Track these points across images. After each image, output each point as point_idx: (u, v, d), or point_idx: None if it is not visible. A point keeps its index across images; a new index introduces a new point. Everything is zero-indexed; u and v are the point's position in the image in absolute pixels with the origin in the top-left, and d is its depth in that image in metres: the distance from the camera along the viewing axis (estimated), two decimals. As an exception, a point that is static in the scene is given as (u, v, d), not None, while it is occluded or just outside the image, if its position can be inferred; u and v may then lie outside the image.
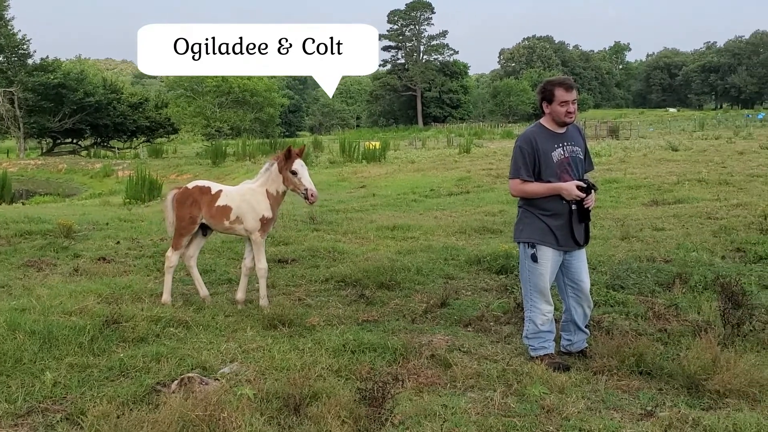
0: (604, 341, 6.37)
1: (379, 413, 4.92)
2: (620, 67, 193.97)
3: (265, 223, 8.02)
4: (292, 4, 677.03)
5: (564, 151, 6.19)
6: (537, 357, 6.22)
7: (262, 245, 8.13)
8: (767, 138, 35.42)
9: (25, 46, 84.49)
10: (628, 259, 10.06)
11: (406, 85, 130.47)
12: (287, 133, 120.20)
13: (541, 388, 5.45)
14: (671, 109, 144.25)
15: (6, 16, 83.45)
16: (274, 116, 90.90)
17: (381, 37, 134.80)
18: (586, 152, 6.43)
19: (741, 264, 9.73)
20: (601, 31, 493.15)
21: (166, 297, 8.18)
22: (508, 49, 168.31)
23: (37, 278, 9.63)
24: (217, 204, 8.05)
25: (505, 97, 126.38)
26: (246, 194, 8.08)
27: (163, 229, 13.94)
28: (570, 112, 6.13)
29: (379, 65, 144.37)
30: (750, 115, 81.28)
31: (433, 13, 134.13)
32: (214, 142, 64.87)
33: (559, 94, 6.10)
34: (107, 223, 15.34)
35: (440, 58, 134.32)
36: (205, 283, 8.69)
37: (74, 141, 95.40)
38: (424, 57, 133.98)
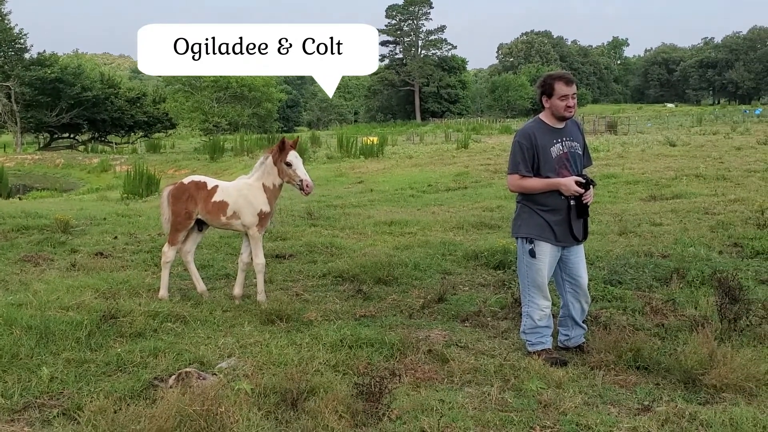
0: (602, 336, 6.38)
1: (377, 408, 4.92)
2: (618, 62, 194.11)
3: (263, 217, 8.01)
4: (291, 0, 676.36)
5: (563, 146, 6.18)
6: (534, 352, 6.22)
7: (260, 240, 8.11)
8: (764, 133, 35.37)
9: (22, 41, 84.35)
10: (626, 254, 10.07)
11: (404, 80, 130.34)
12: (285, 128, 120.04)
13: (538, 383, 5.46)
14: (669, 105, 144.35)
15: (3, 10, 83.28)
16: (272, 111, 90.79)
17: (379, 32, 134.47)
18: (584, 148, 6.42)
19: (738, 259, 9.74)
20: (600, 27, 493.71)
21: (163, 292, 8.18)
22: (507, 44, 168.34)
23: (34, 273, 9.61)
24: (213, 199, 8.03)
25: (504, 92, 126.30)
26: (243, 189, 8.06)
27: (159, 223, 13.96)
28: (570, 107, 6.12)
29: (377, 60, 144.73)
30: (747, 111, 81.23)
31: (431, 8, 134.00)
32: (212, 137, 64.74)
33: (559, 88, 6.09)
34: (105, 218, 15.30)
35: (438, 53, 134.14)
36: (202, 278, 8.68)
37: (71, 136, 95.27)
38: (422, 52, 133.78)
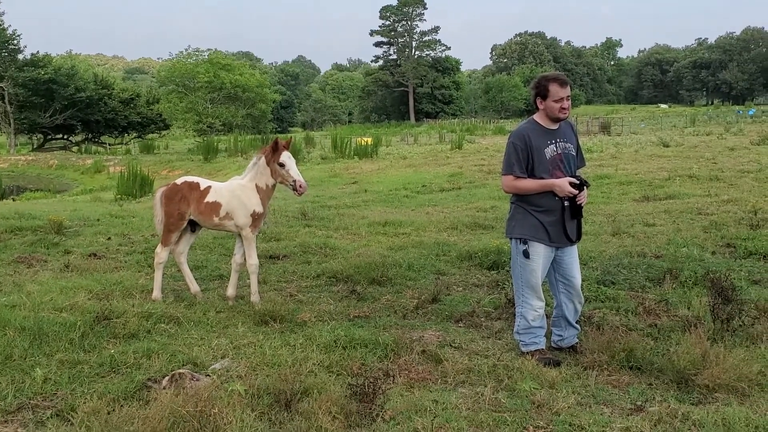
0: (595, 336, 6.39)
1: (370, 409, 4.93)
2: (612, 63, 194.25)
3: (256, 218, 8.00)
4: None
5: (557, 147, 6.20)
6: (528, 352, 6.23)
7: (253, 241, 8.11)
8: (758, 134, 35.42)
9: (15, 42, 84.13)
10: (619, 254, 10.09)
11: (398, 81, 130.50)
12: (279, 129, 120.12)
13: (532, 383, 5.47)
14: (663, 105, 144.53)
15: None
16: (266, 112, 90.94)
17: (373, 32, 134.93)
18: (578, 149, 6.44)
19: (731, 259, 9.77)
20: (593, 28, 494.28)
21: (156, 293, 8.17)
22: (500, 45, 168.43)
23: (27, 274, 9.60)
24: (206, 200, 8.02)
25: (497, 93, 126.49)
26: (236, 190, 8.05)
27: (153, 224, 13.96)
28: (564, 109, 6.13)
29: (371, 61, 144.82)
30: (741, 111, 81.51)
31: (425, 8, 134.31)
32: (205, 138, 64.79)
33: (554, 90, 6.10)
34: (98, 219, 15.28)
35: (432, 54, 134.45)
36: (196, 279, 8.67)
37: (65, 137, 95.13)
38: (416, 53, 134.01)
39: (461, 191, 21.15)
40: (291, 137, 8.85)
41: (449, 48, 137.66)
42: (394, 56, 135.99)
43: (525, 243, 6.21)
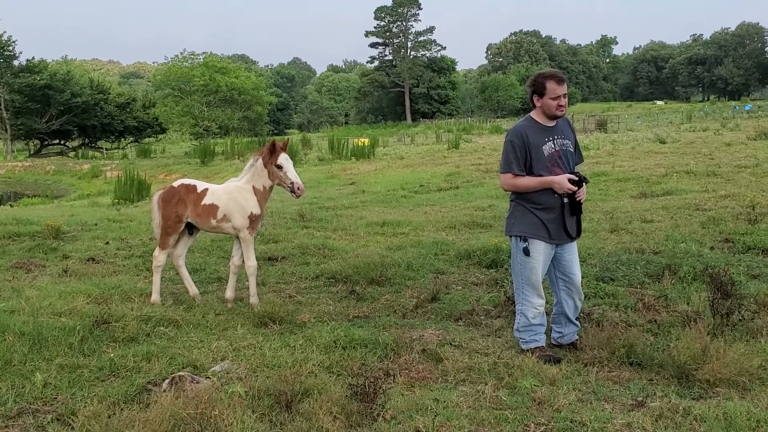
0: (595, 333, 6.38)
1: (371, 408, 4.92)
2: (607, 60, 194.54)
3: (253, 220, 8.00)
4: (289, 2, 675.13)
5: (554, 144, 6.19)
6: (528, 350, 6.23)
7: (251, 243, 8.10)
8: (754, 129, 35.45)
9: (10, 48, 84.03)
10: (618, 251, 10.10)
11: (394, 82, 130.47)
12: (276, 131, 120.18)
13: (532, 380, 5.46)
14: (658, 102, 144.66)
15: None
16: (263, 114, 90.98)
17: (368, 33, 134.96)
18: (575, 145, 6.43)
19: (729, 254, 9.77)
20: (588, 25, 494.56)
21: (155, 297, 8.15)
22: (496, 44, 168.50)
23: (26, 280, 9.59)
24: (203, 203, 8.02)
25: (493, 92, 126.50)
26: (233, 192, 8.05)
27: (151, 228, 13.93)
28: (561, 106, 6.13)
29: (367, 62, 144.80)
30: (737, 107, 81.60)
31: (420, 9, 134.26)
32: (202, 142, 64.73)
33: (551, 87, 6.10)
34: (96, 224, 15.28)
35: (428, 54, 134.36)
36: (194, 282, 8.66)
37: (62, 142, 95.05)
38: (412, 53, 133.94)
39: (459, 190, 21.15)
40: (288, 139, 8.84)
41: (444, 48, 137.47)
42: (390, 57, 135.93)
43: (525, 240, 6.20)
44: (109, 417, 4.74)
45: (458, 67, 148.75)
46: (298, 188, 7.79)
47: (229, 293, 8.20)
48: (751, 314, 6.72)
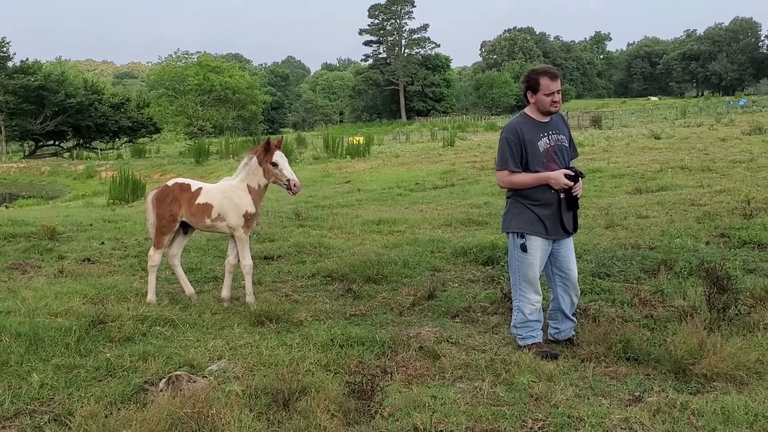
0: (591, 329, 6.40)
1: (369, 406, 4.93)
2: (601, 56, 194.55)
3: (248, 219, 7.99)
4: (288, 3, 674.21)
5: (549, 140, 6.20)
6: (525, 346, 6.24)
7: (247, 242, 8.10)
8: (749, 124, 35.47)
9: (4, 49, 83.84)
10: (613, 247, 10.10)
11: (388, 80, 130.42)
12: (270, 130, 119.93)
13: (530, 376, 5.47)
14: (653, 98, 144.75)
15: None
16: (257, 113, 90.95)
17: (362, 31, 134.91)
18: (570, 140, 6.44)
19: (725, 249, 9.78)
20: (582, 22, 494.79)
21: (150, 296, 8.15)
22: (490, 41, 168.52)
23: (22, 280, 9.58)
24: (197, 202, 8.01)
25: (488, 89, 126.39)
26: (227, 191, 8.04)
27: (146, 228, 13.91)
28: (555, 102, 6.14)
29: (361, 60, 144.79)
30: (732, 102, 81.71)
31: (414, 6, 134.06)
32: (197, 141, 64.70)
33: (545, 83, 6.11)
34: (91, 224, 15.26)
35: (422, 52, 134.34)
36: (190, 281, 8.65)
37: (56, 143, 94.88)
38: (406, 51, 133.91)
39: (454, 188, 21.15)
40: (282, 137, 8.85)
41: (439, 45, 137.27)
42: (384, 55, 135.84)
43: (522, 237, 6.21)
44: (106, 417, 4.74)
45: (453, 65, 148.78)
46: (295, 185, 7.79)
47: (225, 293, 8.18)
48: (748, 309, 6.74)
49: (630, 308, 7.34)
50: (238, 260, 8.15)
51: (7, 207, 30.66)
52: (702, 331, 5.77)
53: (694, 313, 6.60)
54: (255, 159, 7.97)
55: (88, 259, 10.97)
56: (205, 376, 5.66)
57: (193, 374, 5.66)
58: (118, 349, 6.37)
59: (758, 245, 9.81)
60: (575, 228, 6.37)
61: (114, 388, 5.43)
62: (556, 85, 6.13)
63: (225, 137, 63.67)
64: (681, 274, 8.42)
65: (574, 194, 6.17)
